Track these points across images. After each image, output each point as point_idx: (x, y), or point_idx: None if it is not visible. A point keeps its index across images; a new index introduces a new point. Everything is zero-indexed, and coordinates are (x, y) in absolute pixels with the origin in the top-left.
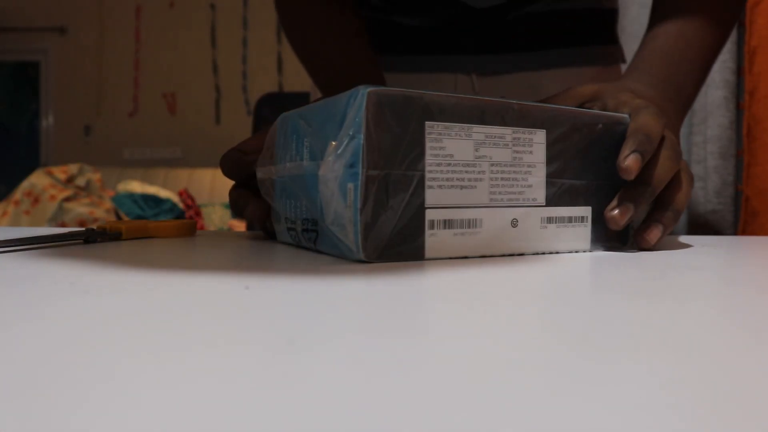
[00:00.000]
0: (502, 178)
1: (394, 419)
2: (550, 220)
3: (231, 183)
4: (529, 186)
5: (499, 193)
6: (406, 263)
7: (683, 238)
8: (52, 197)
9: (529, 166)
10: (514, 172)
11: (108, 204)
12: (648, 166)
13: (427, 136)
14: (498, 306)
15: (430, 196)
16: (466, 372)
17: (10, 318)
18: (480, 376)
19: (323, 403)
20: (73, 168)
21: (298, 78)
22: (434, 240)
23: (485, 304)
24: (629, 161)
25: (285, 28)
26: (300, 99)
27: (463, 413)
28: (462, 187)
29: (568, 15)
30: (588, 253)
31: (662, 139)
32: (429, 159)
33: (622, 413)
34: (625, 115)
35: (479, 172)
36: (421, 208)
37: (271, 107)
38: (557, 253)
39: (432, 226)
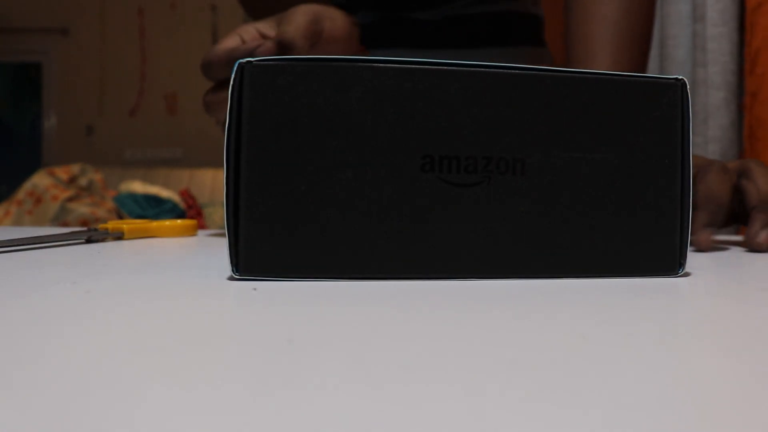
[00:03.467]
0: None
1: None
2: None
3: None
4: None
5: None
6: None
7: None
8: (54, 197)
9: None
10: None
11: (110, 204)
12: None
13: None
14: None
15: None
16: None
17: (11, 317)
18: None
19: (322, 404)
20: (75, 168)
21: None
22: None
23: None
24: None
25: None
26: None
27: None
28: None
29: (497, 17)
30: None
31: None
32: None
33: None
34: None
35: None
36: None
37: None
38: None
39: None
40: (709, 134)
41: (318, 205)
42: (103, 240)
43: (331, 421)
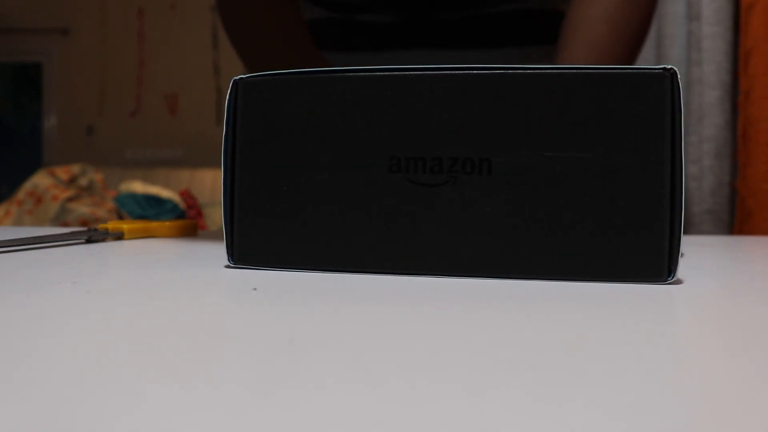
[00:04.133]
0: None
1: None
2: None
3: None
4: None
5: None
6: None
7: None
8: (55, 197)
9: None
10: None
11: (110, 204)
12: None
13: None
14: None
15: None
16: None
17: (11, 316)
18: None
19: (320, 404)
20: (75, 168)
21: None
22: None
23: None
24: None
25: (227, 25)
26: None
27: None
28: None
29: (524, 15)
30: None
31: None
32: None
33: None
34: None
35: None
36: None
37: None
38: None
39: None
40: (704, 133)
41: (299, 203)
42: (103, 240)
43: (331, 421)
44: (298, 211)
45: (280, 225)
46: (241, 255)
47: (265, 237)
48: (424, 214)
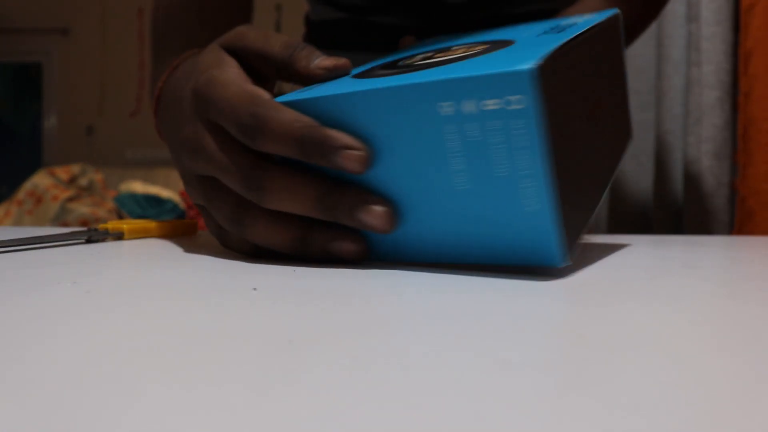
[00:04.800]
0: None
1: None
2: None
3: None
4: None
5: None
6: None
7: (676, 237)
8: (55, 197)
9: None
10: None
11: (110, 204)
12: None
13: None
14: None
15: None
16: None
17: (11, 317)
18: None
19: (322, 405)
20: (75, 168)
21: None
22: None
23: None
24: None
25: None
26: None
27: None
28: None
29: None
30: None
31: None
32: None
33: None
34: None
35: None
36: None
37: None
38: None
39: None
40: (702, 134)
41: (565, 168)
42: (103, 240)
43: (331, 421)
44: (565, 175)
45: (571, 202)
46: (567, 250)
47: (572, 220)
48: None
